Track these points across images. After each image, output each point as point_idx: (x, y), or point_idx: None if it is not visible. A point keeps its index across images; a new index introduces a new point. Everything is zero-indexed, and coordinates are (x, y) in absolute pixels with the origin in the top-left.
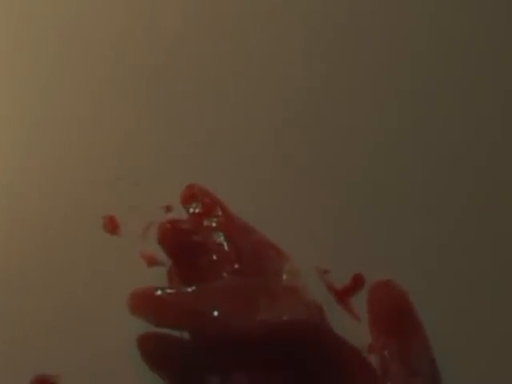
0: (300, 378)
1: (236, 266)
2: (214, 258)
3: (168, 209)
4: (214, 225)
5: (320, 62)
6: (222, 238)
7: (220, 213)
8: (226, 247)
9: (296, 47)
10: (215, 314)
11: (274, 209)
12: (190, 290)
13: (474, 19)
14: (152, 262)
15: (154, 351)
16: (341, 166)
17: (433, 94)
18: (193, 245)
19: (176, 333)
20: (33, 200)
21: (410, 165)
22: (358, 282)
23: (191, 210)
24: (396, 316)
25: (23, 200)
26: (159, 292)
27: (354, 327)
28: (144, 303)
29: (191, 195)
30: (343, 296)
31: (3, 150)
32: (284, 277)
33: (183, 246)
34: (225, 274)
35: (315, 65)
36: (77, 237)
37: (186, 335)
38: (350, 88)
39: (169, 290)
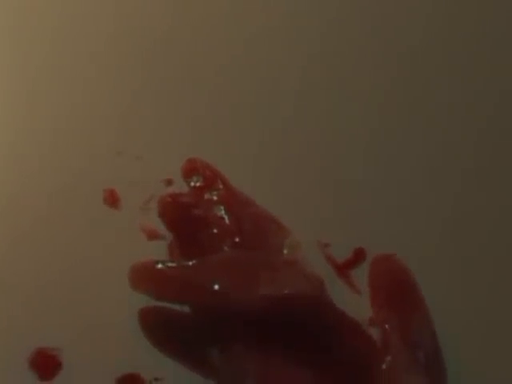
0: (300, 350)
1: (237, 239)
2: (215, 231)
3: (169, 182)
4: (214, 198)
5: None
6: (223, 212)
7: (221, 186)
8: (226, 220)
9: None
10: (216, 287)
11: (275, 182)
12: (190, 263)
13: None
14: (152, 235)
15: (154, 325)
16: (342, 139)
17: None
18: (193, 218)
19: (176, 306)
20: (33, 173)
21: (411, 137)
22: (359, 256)
23: (192, 184)
24: (397, 289)
25: (23, 174)
26: (160, 265)
27: (354, 301)
28: (144, 277)
29: (192, 169)
30: (344, 270)
31: (2, 121)
32: (285, 250)
33: (184, 220)
34: (225, 248)
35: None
36: (77, 210)
37: (186, 309)
38: (349, 54)
39: (169, 264)
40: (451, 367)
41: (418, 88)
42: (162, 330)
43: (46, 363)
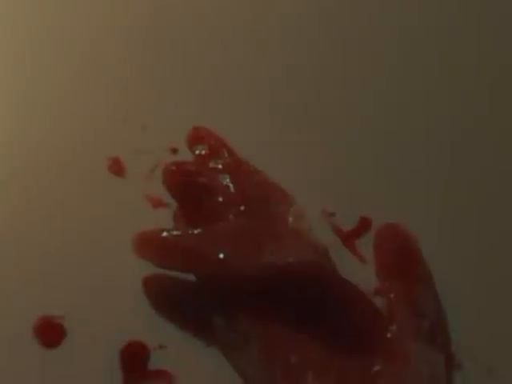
0: (304, 319)
1: (242, 208)
2: (220, 200)
3: (173, 151)
4: (219, 167)
5: None
6: (228, 180)
7: (226, 155)
8: (231, 189)
9: None
10: (221, 256)
11: (280, 151)
12: (195, 231)
13: None
14: (157, 203)
15: (158, 292)
16: (348, 109)
17: None
18: (198, 187)
19: (181, 274)
20: (38, 142)
21: (421, 108)
22: (364, 225)
23: (197, 152)
24: (402, 259)
25: (28, 141)
26: (165, 234)
27: (360, 270)
28: (149, 245)
29: (197, 137)
30: (349, 239)
31: (9, 86)
32: (290, 219)
33: (189, 188)
34: (230, 216)
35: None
36: (82, 179)
37: (190, 277)
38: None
39: (174, 232)
40: (455, 335)
41: (420, 44)
42: (165, 298)
43: (50, 331)
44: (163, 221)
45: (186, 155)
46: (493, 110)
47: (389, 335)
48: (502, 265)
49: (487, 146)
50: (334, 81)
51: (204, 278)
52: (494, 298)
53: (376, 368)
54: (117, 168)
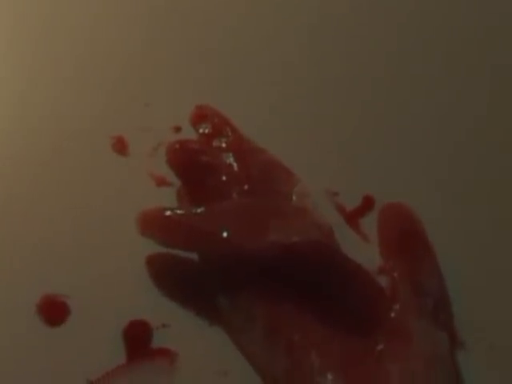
0: (308, 298)
1: (246, 186)
2: (224, 178)
3: (177, 129)
4: (223, 145)
5: None
6: (232, 159)
7: (230, 133)
8: (235, 168)
9: None
10: (225, 234)
11: (285, 130)
12: (199, 210)
13: None
14: (161, 182)
15: (162, 271)
16: (352, 86)
17: None
18: (202, 165)
19: (184, 253)
20: (41, 120)
21: (424, 86)
22: (367, 204)
23: (201, 131)
24: (406, 237)
25: (31, 120)
26: (168, 212)
27: (363, 249)
28: (153, 223)
29: (201, 115)
30: (353, 218)
31: (11, 67)
32: (294, 198)
33: (192, 167)
34: (234, 195)
35: None
36: (85, 157)
37: (194, 255)
38: None
39: (178, 211)
40: (459, 314)
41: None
42: (169, 277)
43: (53, 309)
44: (166, 199)
45: (189, 134)
46: (497, 85)
47: (392, 314)
48: (505, 243)
49: (492, 124)
50: (337, 58)
51: (207, 256)
52: (497, 276)
53: (379, 347)
54: (120, 146)
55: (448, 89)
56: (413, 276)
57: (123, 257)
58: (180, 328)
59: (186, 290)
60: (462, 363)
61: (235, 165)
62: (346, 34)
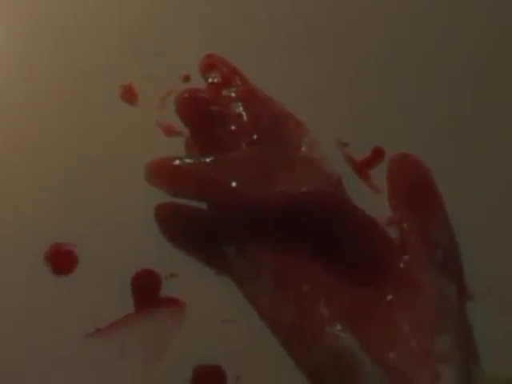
0: (317, 249)
1: (255, 136)
2: (233, 128)
3: (186, 78)
4: (232, 95)
5: None
6: (241, 109)
7: (239, 83)
8: (244, 117)
9: None
10: (233, 184)
11: (294, 80)
12: (207, 160)
13: None
14: (169, 131)
15: (170, 221)
16: (362, 39)
17: None
18: (211, 114)
19: (193, 202)
20: (50, 69)
21: (435, 37)
22: (377, 155)
23: (210, 80)
24: (415, 188)
25: (40, 69)
26: (177, 162)
27: (373, 200)
28: (161, 173)
29: (210, 65)
30: (362, 169)
31: (23, 9)
32: (303, 148)
33: (201, 116)
34: (243, 145)
35: None
36: (94, 106)
37: (202, 205)
38: None
39: (187, 160)
40: (468, 266)
41: None
42: (177, 227)
43: (61, 258)
44: (175, 149)
45: (198, 83)
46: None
47: (401, 265)
48: None
49: (502, 77)
50: (347, 9)
51: (216, 206)
52: (507, 228)
53: (388, 297)
54: (129, 95)
55: (459, 39)
56: (422, 227)
57: (132, 206)
58: (188, 277)
59: (195, 239)
60: (471, 315)
61: (244, 114)
62: None
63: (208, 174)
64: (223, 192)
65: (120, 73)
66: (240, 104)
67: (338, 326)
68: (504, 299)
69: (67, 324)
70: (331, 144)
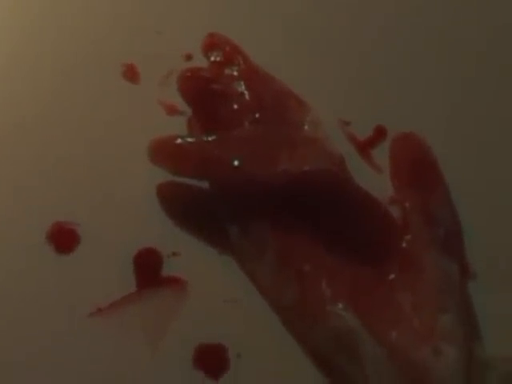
0: (319, 228)
1: (257, 115)
2: (235, 107)
3: (188, 57)
4: (234, 73)
5: None
6: (243, 87)
7: (241, 61)
8: (246, 96)
9: None
10: (236, 163)
11: (297, 58)
12: (210, 138)
13: None
14: (172, 110)
15: (173, 200)
16: (365, 17)
17: None
18: (213, 93)
19: (195, 181)
20: (51, 47)
21: (436, 16)
22: (379, 134)
23: (212, 59)
24: (417, 168)
25: (42, 47)
26: (179, 141)
27: (375, 179)
28: (164, 152)
29: (212, 43)
30: (365, 148)
31: None
32: (306, 127)
33: (203, 95)
34: (245, 124)
35: None
36: (96, 84)
37: (205, 184)
38: None
39: (189, 139)
40: (470, 245)
41: None
42: (180, 205)
43: (63, 237)
44: (177, 128)
45: (200, 62)
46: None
47: (403, 244)
48: None
49: (504, 54)
50: None
51: (218, 185)
52: (509, 207)
53: (390, 276)
54: (131, 74)
55: (460, 16)
56: (424, 206)
57: (134, 185)
58: (190, 256)
59: (197, 218)
60: (473, 294)
61: (247, 93)
62: None
63: (210, 152)
64: (225, 171)
65: (122, 51)
66: (242, 83)
67: (340, 306)
68: (506, 278)
69: (69, 303)
70: (333, 123)
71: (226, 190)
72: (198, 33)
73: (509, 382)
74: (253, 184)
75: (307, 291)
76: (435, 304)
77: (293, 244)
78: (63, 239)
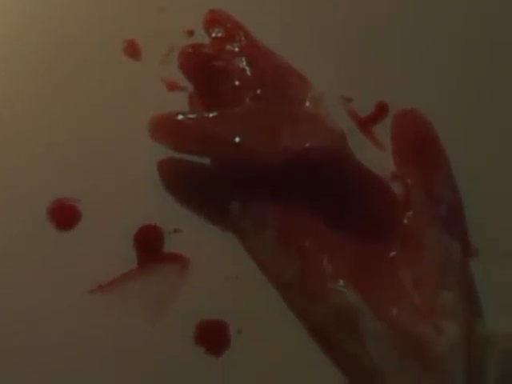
0: (321, 205)
1: (258, 91)
2: (237, 83)
3: (190, 33)
4: (236, 50)
5: None
6: (245, 64)
7: (242, 38)
8: (248, 72)
9: None
10: (237, 140)
11: (298, 35)
12: (211, 115)
13: None
14: (173, 87)
15: (174, 177)
16: None
17: None
18: (215, 69)
19: (197, 158)
20: (53, 25)
21: None
22: (381, 111)
23: (213, 35)
24: (419, 144)
25: (44, 25)
26: (180, 117)
27: (377, 156)
28: (165, 128)
29: (213, 20)
30: (366, 124)
31: None
32: (307, 104)
33: (205, 71)
34: (247, 100)
35: None
36: (97, 61)
37: (206, 161)
38: None
39: (190, 115)
40: (472, 222)
41: None
42: (181, 182)
43: (64, 213)
44: (178, 104)
45: (202, 38)
46: None
47: (405, 221)
48: None
49: (505, 29)
50: None
51: (219, 162)
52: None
53: (392, 253)
54: (132, 51)
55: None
56: (426, 183)
57: (135, 161)
58: (191, 233)
59: (198, 195)
60: (475, 271)
61: (248, 69)
62: None
63: (211, 128)
64: (226, 147)
65: (123, 27)
66: (244, 59)
67: (341, 282)
68: (508, 256)
69: (70, 280)
70: (335, 99)
71: (227, 166)
72: (199, 9)
73: (509, 357)
74: (254, 161)
75: (308, 268)
76: (436, 281)
77: (293, 221)
78: (64, 216)
